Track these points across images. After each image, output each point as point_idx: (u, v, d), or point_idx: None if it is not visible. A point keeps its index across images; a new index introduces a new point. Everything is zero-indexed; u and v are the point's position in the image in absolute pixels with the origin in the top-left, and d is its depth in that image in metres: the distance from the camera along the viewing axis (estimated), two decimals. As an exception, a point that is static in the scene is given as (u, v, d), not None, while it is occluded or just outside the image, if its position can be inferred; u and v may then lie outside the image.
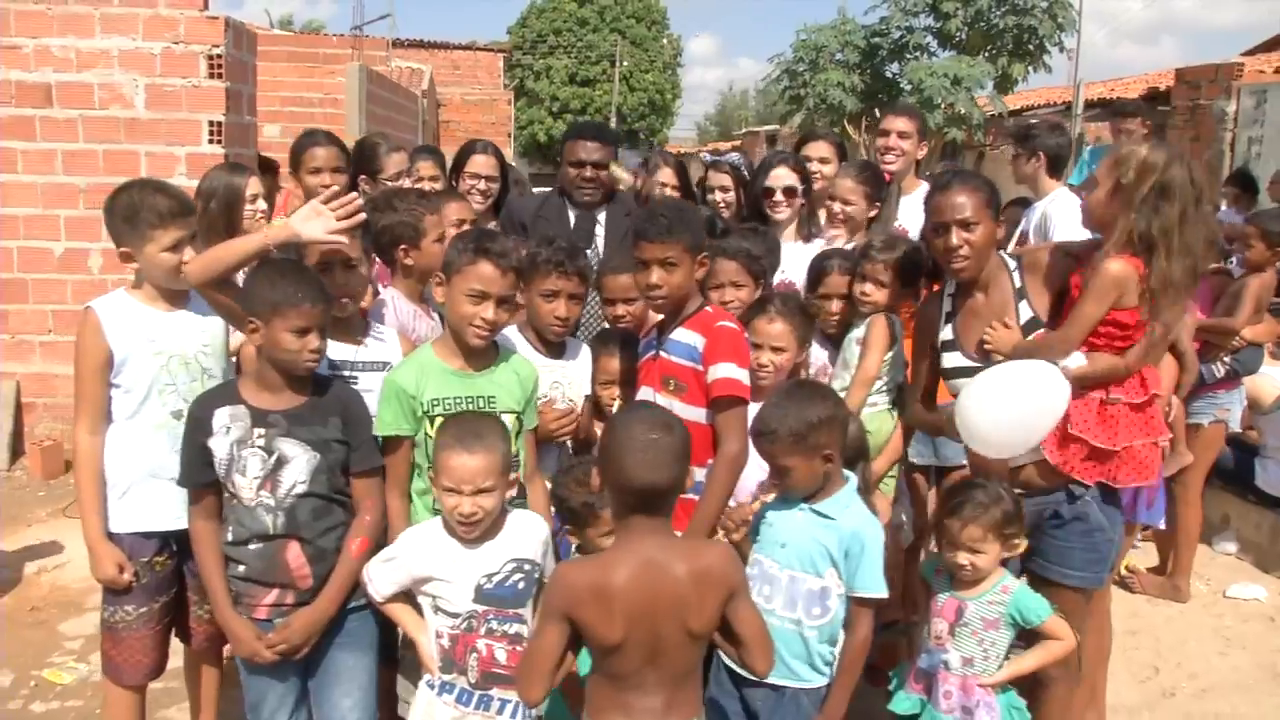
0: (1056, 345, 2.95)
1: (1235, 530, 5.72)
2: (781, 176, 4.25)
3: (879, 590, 2.64)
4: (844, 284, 3.54)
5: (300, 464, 2.67)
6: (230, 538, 2.69)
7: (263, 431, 2.65)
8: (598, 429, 3.33)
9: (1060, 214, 4.85)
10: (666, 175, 4.76)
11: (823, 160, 4.57)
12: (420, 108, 13.05)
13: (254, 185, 4.39)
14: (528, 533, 2.71)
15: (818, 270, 3.65)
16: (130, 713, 3.05)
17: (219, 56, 6.14)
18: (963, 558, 2.85)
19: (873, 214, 4.16)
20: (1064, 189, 5.25)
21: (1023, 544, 2.90)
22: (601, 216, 4.37)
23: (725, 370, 2.88)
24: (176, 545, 2.98)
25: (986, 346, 3.05)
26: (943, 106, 14.38)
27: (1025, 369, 2.87)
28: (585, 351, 3.38)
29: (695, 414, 2.94)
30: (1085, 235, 4.93)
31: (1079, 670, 3.16)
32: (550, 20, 36.65)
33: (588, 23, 36.72)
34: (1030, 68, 15.45)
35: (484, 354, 2.92)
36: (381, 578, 2.67)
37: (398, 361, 2.99)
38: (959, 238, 3.01)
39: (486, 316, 2.79)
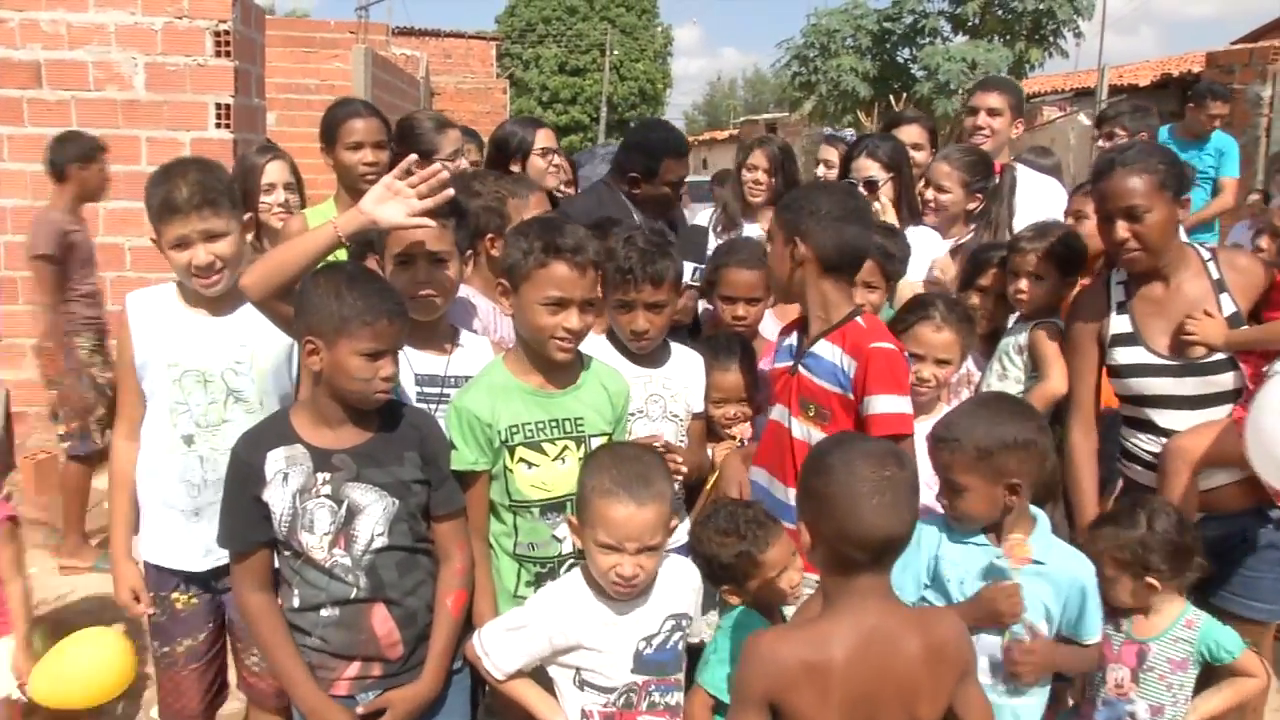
0: None
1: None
2: (863, 168, 3.89)
3: (1100, 634, 2.36)
4: (1004, 280, 3.10)
5: (375, 512, 2.18)
6: (297, 603, 2.20)
7: (327, 477, 2.16)
8: (716, 453, 2.87)
9: None
10: (758, 159, 4.29)
11: (915, 146, 4.20)
12: (421, 95, 12.52)
13: (276, 171, 3.89)
14: (681, 581, 2.26)
15: (979, 263, 3.21)
16: None
17: (226, 33, 5.61)
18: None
19: (971, 206, 3.75)
20: None
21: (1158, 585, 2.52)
22: None
23: (886, 404, 2.41)
24: (208, 583, 2.59)
25: (1190, 339, 2.64)
26: (960, 92, 13.96)
27: None
28: (687, 356, 2.86)
29: None
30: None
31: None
32: (539, 9, 36.12)
33: (577, 11, 36.24)
34: (1047, 53, 15.08)
35: (566, 367, 2.43)
36: (505, 651, 2.18)
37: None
38: (1126, 230, 2.63)
39: (570, 326, 2.31)
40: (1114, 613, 2.53)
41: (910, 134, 4.27)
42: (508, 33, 34.81)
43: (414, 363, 2.45)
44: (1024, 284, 3.04)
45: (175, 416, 2.50)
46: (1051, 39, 14.90)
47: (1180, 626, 2.53)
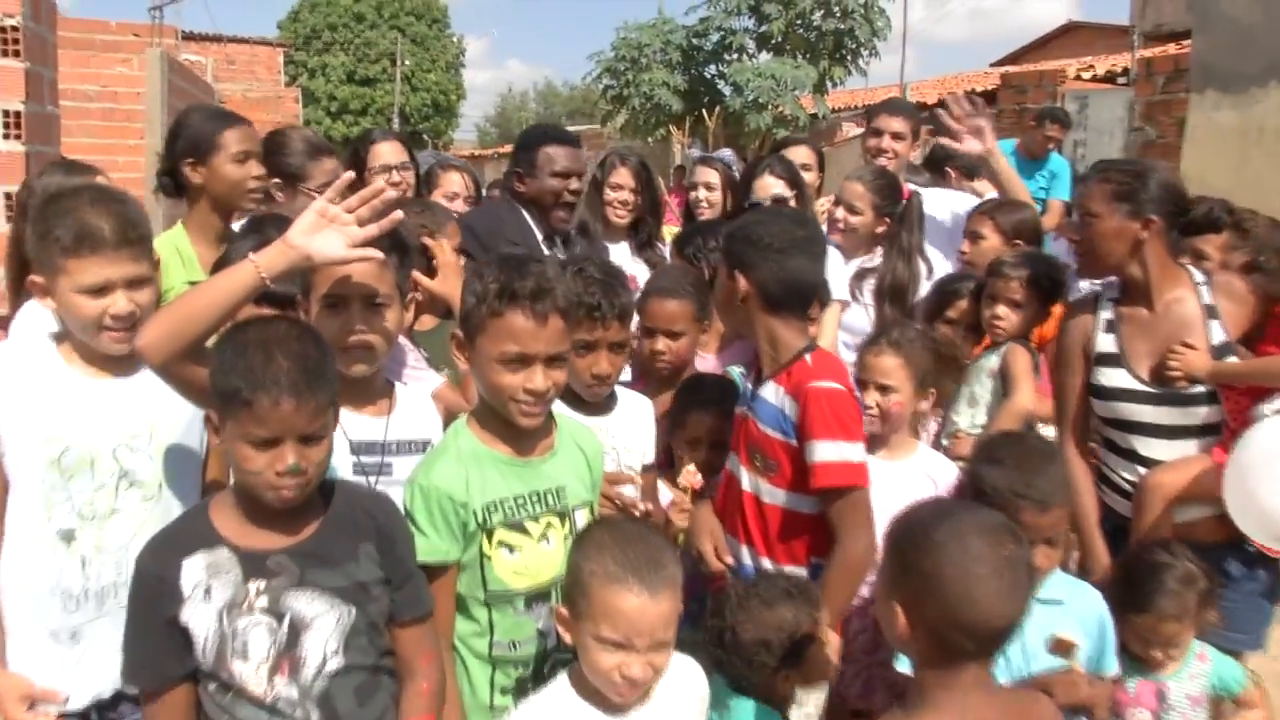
0: None
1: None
2: (768, 186, 3.77)
3: (1116, 665, 2.32)
4: (974, 311, 3.00)
5: (326, 626, 1.76)
6: None
7: (262, 585, 1.73)
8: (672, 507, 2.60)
9: None
10: (622, 177, 3.99)
11: (804, 167, 4.13)
12: (216, 103, 11.55)
13: None
14: (686, 687, 1.94)
15: (945, 295, 3.10)
16: None
17: (15, 29, 4.82)
18: (1157, 652, 2.41)
19: (880, 229, 3.67)
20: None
21: (1213, 616, 2.49)
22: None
23: (829, 452, 2.21)
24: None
25: (1172, 373, 2.58)
26: (770, 108, 14.27)
27: None
28: (633, 401, 2.60)
29: (781, 498, 2.31)
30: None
31: None
32: (324, 15, 34.58)
33: (365, 18, 34.91)
34: (847, 71, 15.66)
35: (538, 429, 2.08)
36: None
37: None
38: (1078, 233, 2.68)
39: (533, 387, 1.95)
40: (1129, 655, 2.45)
41: (799, 155, 4.23)
42: (292, 39, 33.05)
43: (347, 428, 2.02)
44: (1002, 310, 2.97)
45: (51, 508, 1.97)
46: (852, 58, 15.48)
47: (1194, 661, 2.48)
